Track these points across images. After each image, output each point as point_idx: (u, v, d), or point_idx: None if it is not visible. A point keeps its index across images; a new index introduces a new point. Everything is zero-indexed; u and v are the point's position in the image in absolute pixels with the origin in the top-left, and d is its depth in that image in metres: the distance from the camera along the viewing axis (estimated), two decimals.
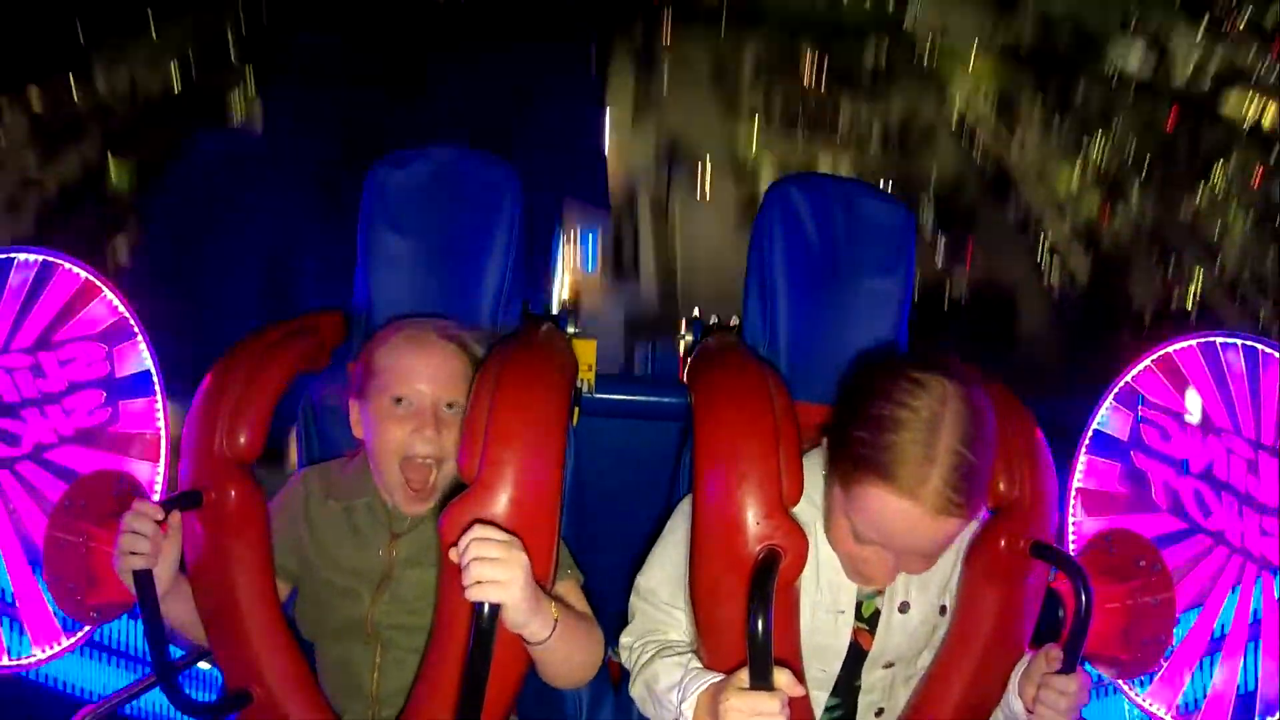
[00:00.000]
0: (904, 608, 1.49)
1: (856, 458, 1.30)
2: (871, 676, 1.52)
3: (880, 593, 1.49)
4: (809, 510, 1.44)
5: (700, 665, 1.40)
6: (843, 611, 1.48)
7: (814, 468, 1.49)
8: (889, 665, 1.52)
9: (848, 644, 1.49)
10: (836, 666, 1.50)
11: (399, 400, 1.51)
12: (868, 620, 1.50)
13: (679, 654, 1.45)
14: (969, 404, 1.28)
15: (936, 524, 1.27)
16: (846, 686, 1.53)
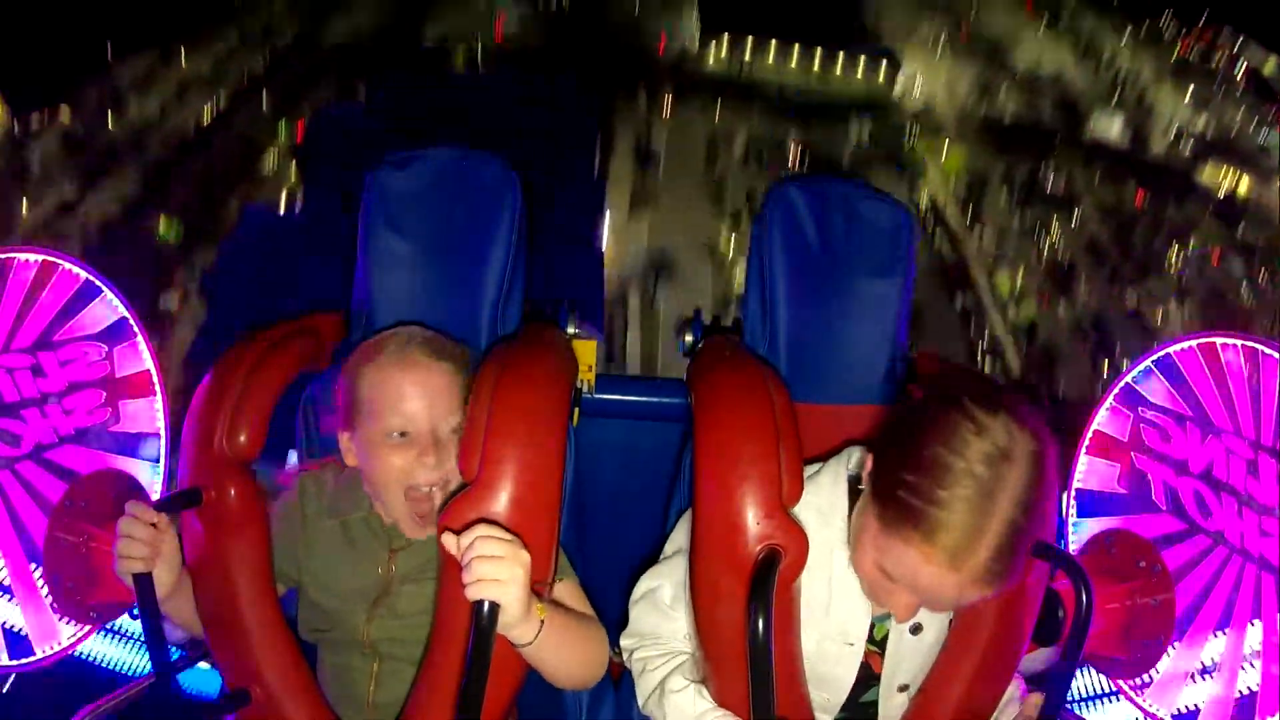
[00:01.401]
0: (916, 629, 1.46)
1: (901, 504, 1.20)
2: (890, 704, 1.50)
3: (887, 616, 1.45)
4: (825, 533, 1.42)
5: (708, 704, 1.39)
6: (852, 644, 1.45)
7: (837, 482, 1.46)
8: (904, 688, 1.49)
9: (854, 676, 1.47)
10: (842, 696, 1.48)
11: (393, 433, 1.44)
12: (879, 643, 1.47)
13: (685, 681, 1.43)
14: (1035, 462, 1.17)
15: (972, 590, 1.20)
16: (853, 703, 1.50)
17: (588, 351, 2.08)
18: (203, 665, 1.86)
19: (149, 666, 1.45)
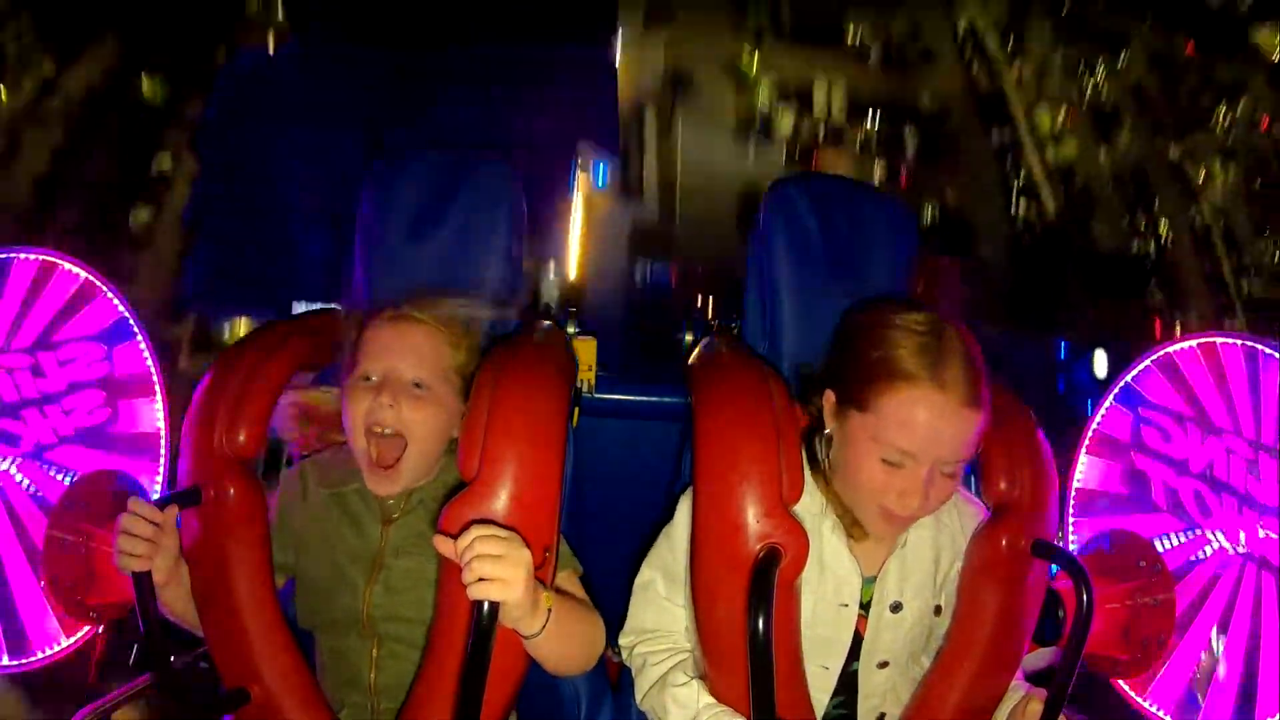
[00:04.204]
0: (896, 608, 1.48)
1: (873, 375, 1.35)
2: (870, 681, 1.51)
3: (874, 578, 1.48)
4: (807, 499, 1.43)
5: (710, 700, 1.40)
6: (846, 604, 1.47)
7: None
8: (883, 665, 1.51)
9: (850, 639, 1.48)
10: (838, 663, 1.49)
11: (367, 377, 1.52)
12: (865, 606, 1.49)
13: (686, 676, 1.44)
14: (963, 333, 1.37)
15: (964, 416, 1.32)
16: (851, 683, 1.52)
17: (588, 351, 2.08)
18: (202, 665, 1.86)
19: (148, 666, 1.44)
